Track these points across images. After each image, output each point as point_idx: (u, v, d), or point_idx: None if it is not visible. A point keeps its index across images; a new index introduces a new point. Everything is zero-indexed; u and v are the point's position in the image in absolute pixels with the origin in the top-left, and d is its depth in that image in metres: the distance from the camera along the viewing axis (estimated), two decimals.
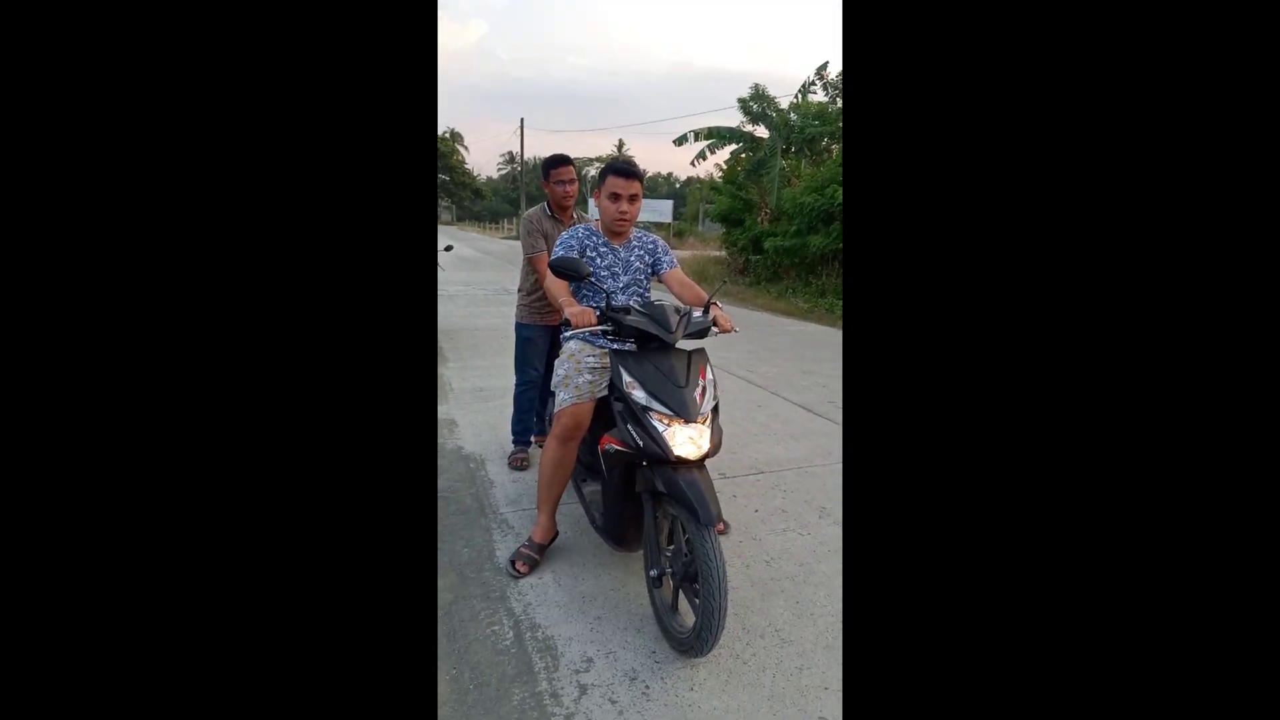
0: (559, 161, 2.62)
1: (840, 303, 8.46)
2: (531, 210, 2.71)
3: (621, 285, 2.02)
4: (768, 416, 3.75)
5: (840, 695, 1.53)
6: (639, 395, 1.61)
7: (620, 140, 52.46)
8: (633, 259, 2.05)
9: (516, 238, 26.43)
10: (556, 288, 1.91)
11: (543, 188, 2.71)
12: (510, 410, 2.91)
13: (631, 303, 1.96)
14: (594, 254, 2.00)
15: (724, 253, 13.44)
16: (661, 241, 2.15)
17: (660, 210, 24.22)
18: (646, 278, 2.10)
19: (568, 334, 2.00)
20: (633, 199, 1.94)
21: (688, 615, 1.66)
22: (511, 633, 1.71)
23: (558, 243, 2.03)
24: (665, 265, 2.11)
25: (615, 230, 2.00)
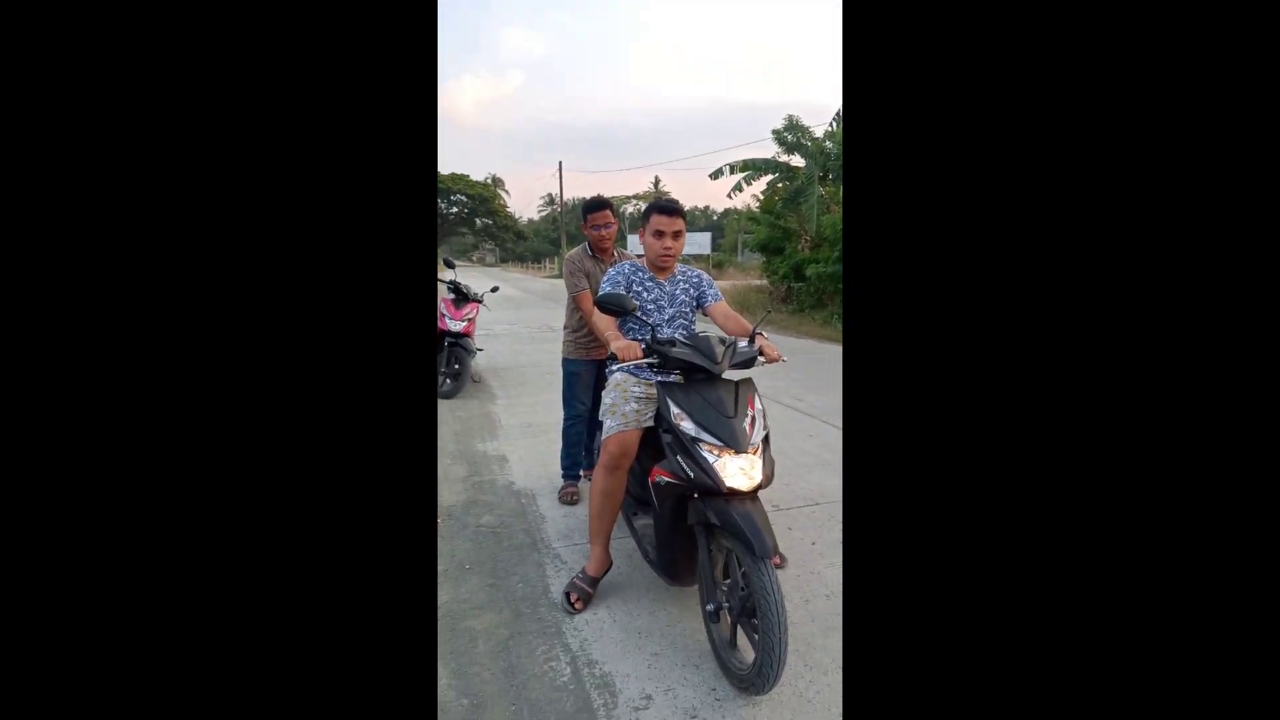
0: (596, 206, 2.70)
1: None
2: (573, 251, 2.80)
3: (667, 318, 2.05)
4: (819, 446, 3.67)
5: None
6: (688, 426, 1.61)
7: (656, 177, 53.55)
8: (678, 293, 2.09)
9: (559, 276, 27.11)
10: (603, 323, 1.96)
11: (582, 230, 2.80)
12: (559, 445, 2.94)
13: (677, 335, 1.98)
14: (639, 288, 2.05)
15: (765, 281, 13.40)
16: (706, 275, 2.19)
17: (699, 243, 24.49)
18: (691, 310, 2.12)
19: (613, 367, 2.03)
20: (676, 235, 2.00)
21: (747, 651, 1.62)
22: (569, 669, 1.70)
23: (604, 279, 2.09)
24: (710, 298, 2.13)
25: (660, 266, 2.05)
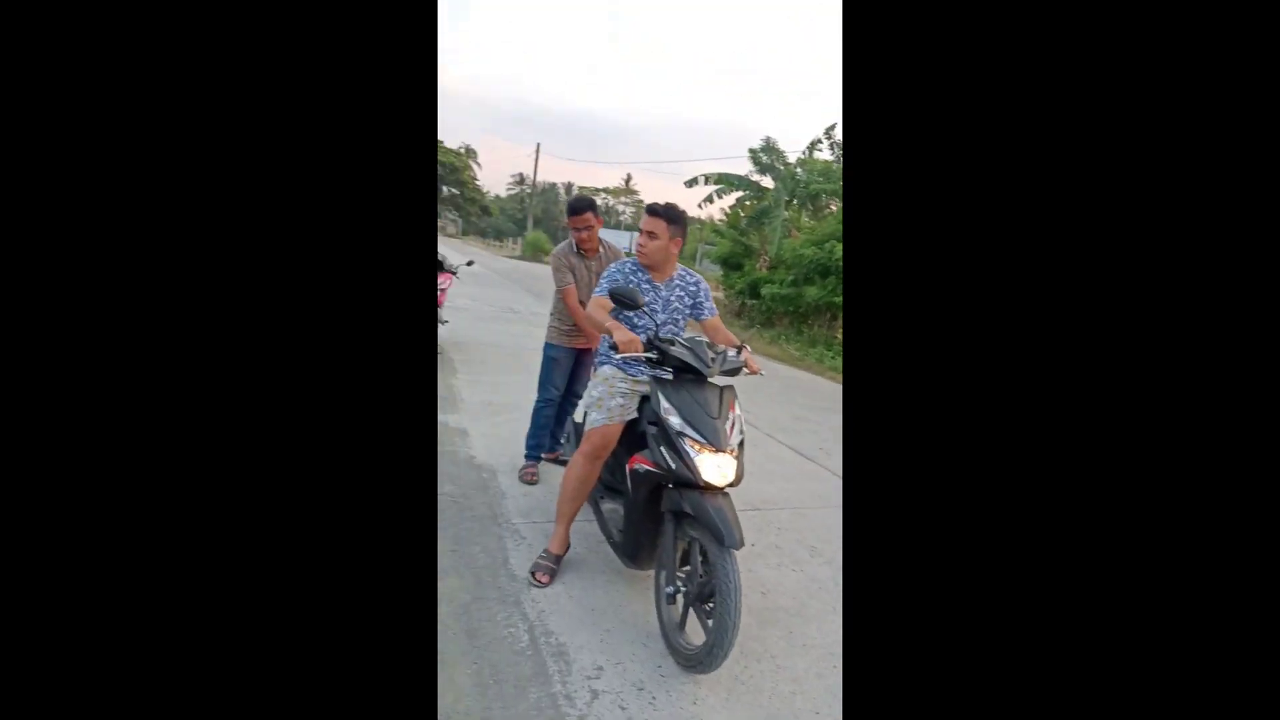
0: (580, 208, 2.79)
1: (830, 354, 8.73)
2: (560, 247, 2.90)
3: (660, 322, 2.15)
4: (763, 456, 3.90)
5: None
6: (675, 421, 1.76)
7: (629, 174, 53.56)
8: (673, 298, 2.18)
9: (520, 257, 26.66)
10: (599, 314, 2.05)
11: (567, 224, 2.91)
12: (518, 426, 3.03)
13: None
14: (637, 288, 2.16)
15: (721, 294, 13.76)
16: (705, 285, 2.27)
17: None
18: (683, 318, 2.22)
19: (603, 359, 2.15)
20: (651, 235, 2.09)
21: (694, 635, 1.79)
22: (526, 636, 1.82)
23: (604, 275, 2.18)
24: (706, 312, 2.24)
25: (653, 265, 2.12)
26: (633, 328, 2.12)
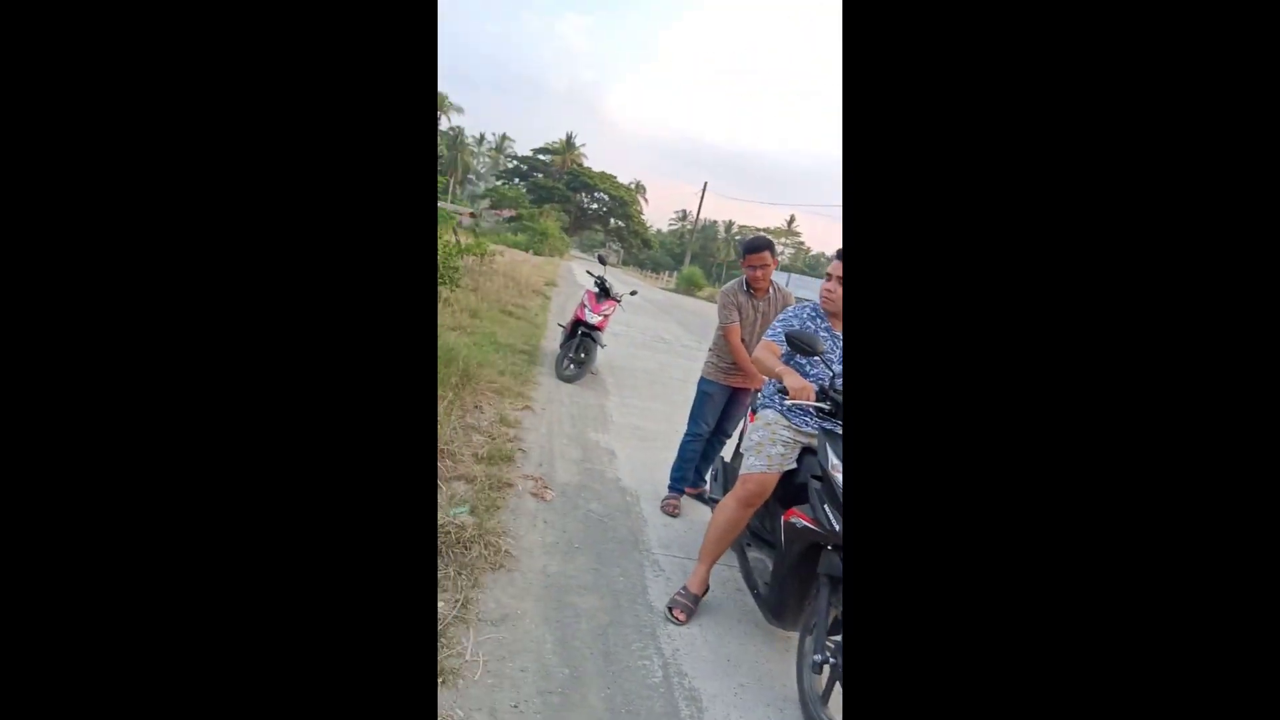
0: (756, 247, 2.78)
1: None
2: (729, 284, 2.90)
3: (836, 372, 2.04)
4: None
5: None
6: (843, 479, 1.65)
7: (792, 215, 52.96)
8: None
9: (674, 290, 27.45)
10: (769, 358, 2.01)
11: (740, 265, 2.91)
12: (661, 455, 3.05)
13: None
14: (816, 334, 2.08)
15: None
16: None
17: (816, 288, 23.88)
18: None
19: (765, 403, 2.09)
20: (841, 280, 1.97)
21: (835, 709, 1.63)
22: (661, 672, 1.78)
23: (780, 318, 2.13)
24: None
25: (837, 313, 2.04)
26: (805, 375, 2.04)
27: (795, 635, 1.90)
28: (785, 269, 37.39)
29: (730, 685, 1.80)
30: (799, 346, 1.82)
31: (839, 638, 1.67)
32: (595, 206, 41.03)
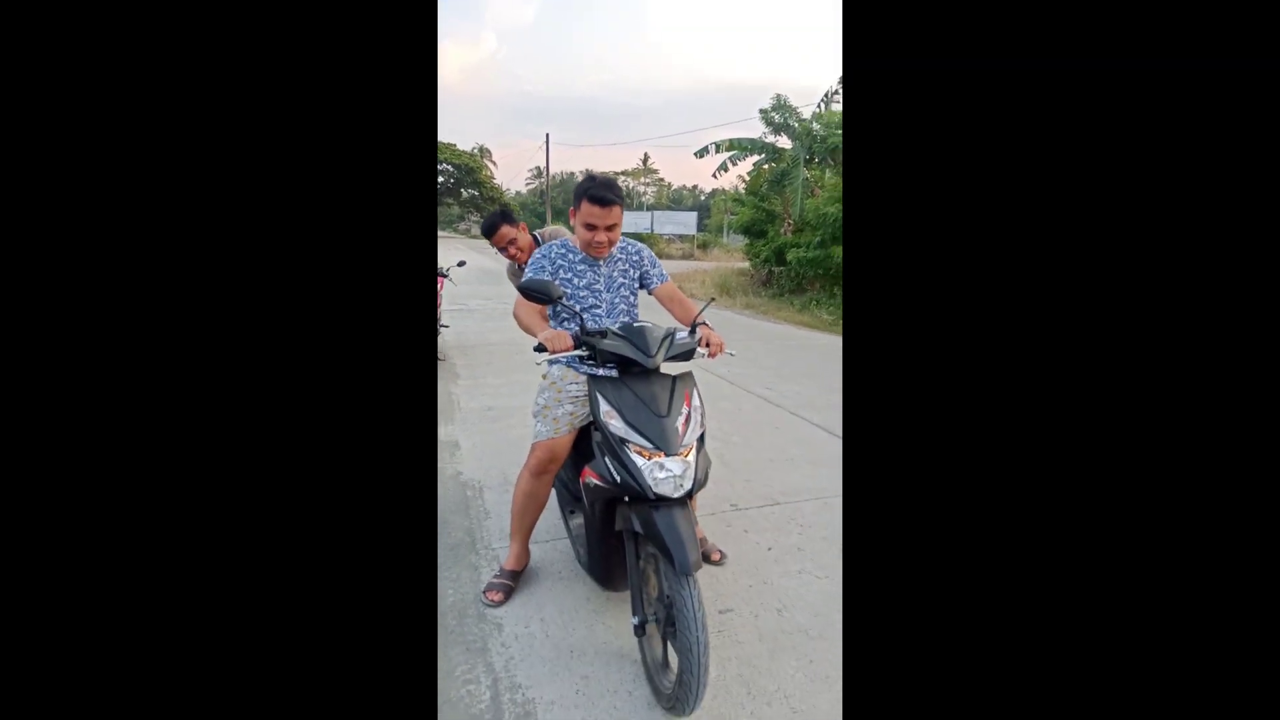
0: (489, 229, 2.52)
1: None
2: (508, 265, 2.66)
3: (606, 305, 1.85)
4: (785, 440, 3.53)
5: None
6: (616, 425, 1.46)
7: (645, 153, 52.77)
8: (615, 274, 1.87)
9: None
10: (527, 312, 1.77)
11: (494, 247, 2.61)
12: (518, 432, 2.87)
13: (614, 324, 1.80)
14: (569, 273, 1.82)
15: (748, 264, 13.23)
16: (649, 251, 1.95)
17: (685, 223, 24.24)
18: (634, 293, 1.92)
19: (548, 359, 1.85)
20: (611, 228, 1.73)
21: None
22: (489, 694, 1.55)
23: (530, 262, 1.86)
24: (655, 280, 1.92)
25: (593, 252, 1.81)
26: (566, 324, 1.83)
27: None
28: (651, 207, 37.40)
29: (572, 683, 1.60)
30: (534, 297, 1.58)
31: (658, 592, 1.51)
32: (441, 180, 38.52)
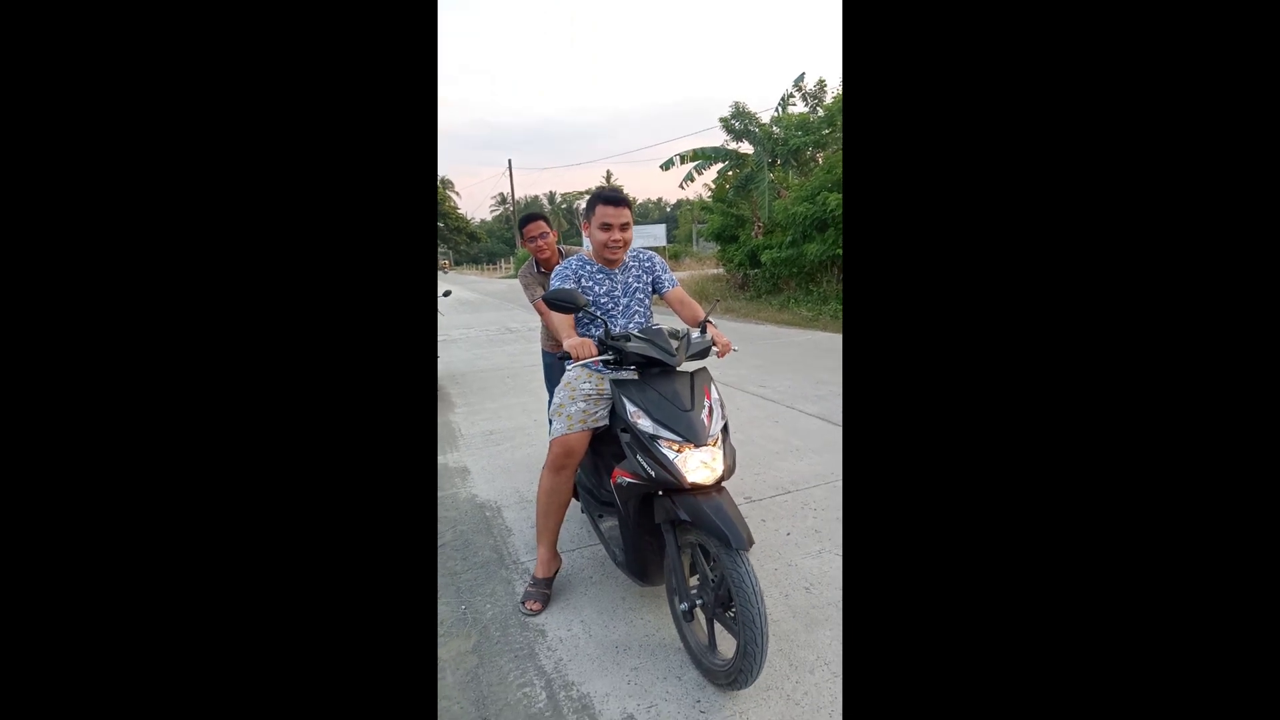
0: (526, 220, 2.72)
1: (842, 308, 8.40)
2: (524, 266, 2.81)
3: (622, 310, 1.97)
4: (785, 432, 3.64)
5: None
6: (645, 424, 1.55)
7: (608, 171, 53.25)
8: (631, 281, 2.00)
9: (514, 276, 26.66)
10: (558, 321, 1.88)
11: (522, 245, 2.79)
12: (522, 452, 2.92)
13: (631, 328, 1.90)
14: (589, 283, 1.96)
15: (721, 270, 13.43)
16: (660, 259, 2.09)
17: (654, 235, 24.43)
18: (647, 298, 2.05)
19: (569, 364, 1.94)
20: (624, 227, 1.89)
21: (726, 650, 1.56)
22: (544, 694, 1.60)
23: (553, 275, 1.99)
24: (666, 284, 2.06)
25: (609, 259, 1.94)
26: (588, 330, 1.95)
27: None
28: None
29: (623, 675, 1.66)
30: (559, 306, 1.67)
31: (697, 577, 1.60)
32: None
